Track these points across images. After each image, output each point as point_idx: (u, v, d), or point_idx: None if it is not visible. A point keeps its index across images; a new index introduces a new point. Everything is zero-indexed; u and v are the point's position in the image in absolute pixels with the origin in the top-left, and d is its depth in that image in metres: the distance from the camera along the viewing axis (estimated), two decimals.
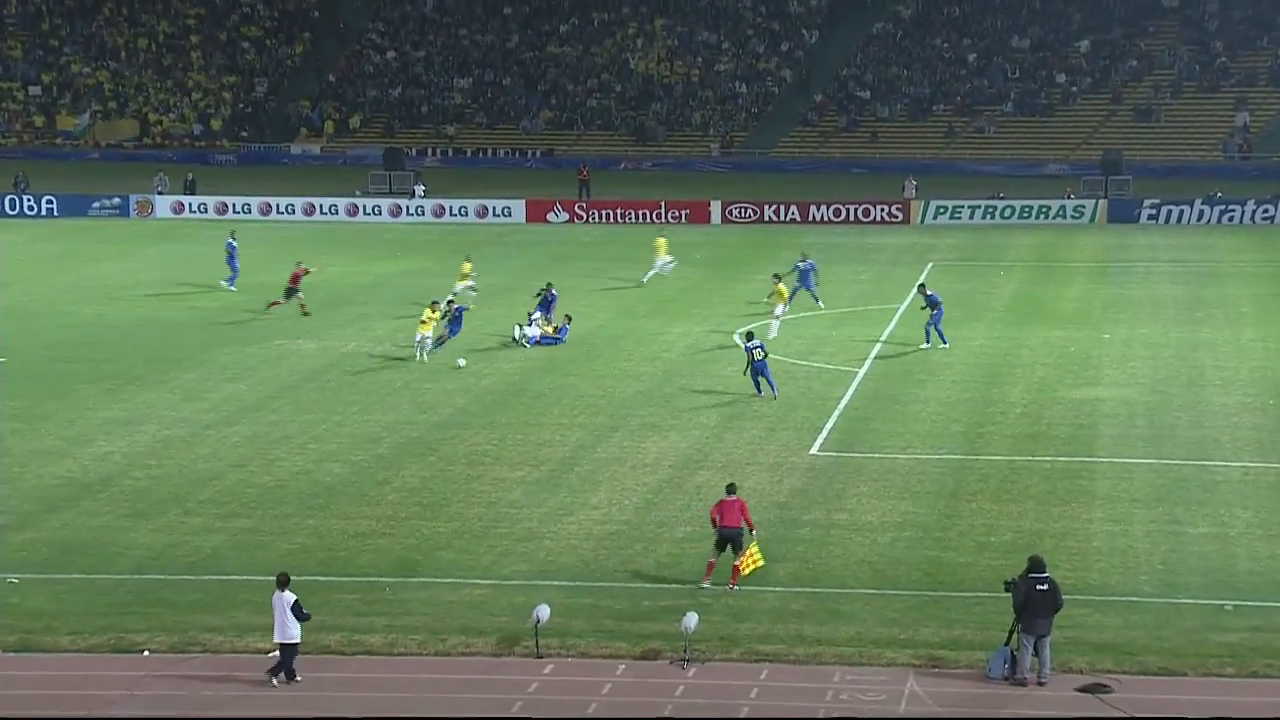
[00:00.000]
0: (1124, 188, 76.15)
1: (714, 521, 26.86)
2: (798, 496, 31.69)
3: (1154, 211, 72.53)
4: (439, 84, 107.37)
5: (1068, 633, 24.01)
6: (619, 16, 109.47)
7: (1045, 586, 23.07)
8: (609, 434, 36.36)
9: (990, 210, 73.83)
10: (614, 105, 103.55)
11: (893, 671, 23.36)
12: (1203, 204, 72.31)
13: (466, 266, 53.69)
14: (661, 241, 57.92)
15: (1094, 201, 73.98)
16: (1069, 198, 74.84)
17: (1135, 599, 25.89)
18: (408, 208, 77.50)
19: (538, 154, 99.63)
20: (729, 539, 26.64)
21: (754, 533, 26.93)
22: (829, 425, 36.81)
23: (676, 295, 54.70)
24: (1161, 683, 22.96)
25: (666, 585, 26.84)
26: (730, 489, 27.24)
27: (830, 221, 73.45)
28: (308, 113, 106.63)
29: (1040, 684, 22.87)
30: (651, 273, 56.39)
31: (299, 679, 23.21)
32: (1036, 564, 23.37)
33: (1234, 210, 71.88)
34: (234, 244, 56.95)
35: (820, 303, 50.35)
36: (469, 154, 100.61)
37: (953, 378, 41.37)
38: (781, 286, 46.95)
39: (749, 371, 39.07)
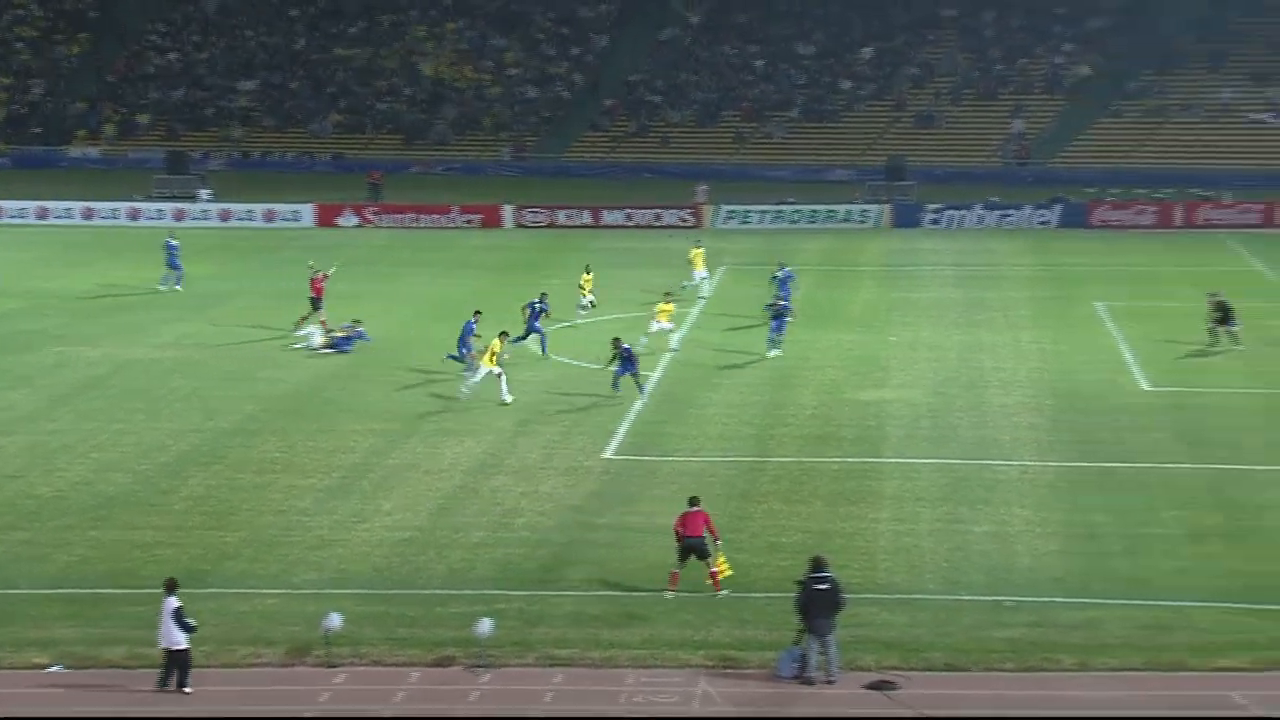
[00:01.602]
0: (908, 193, 77.88)
1: (678, 533, 26.78)
2: (592, 500, 31.80)
3: (936, 216, 74.28)
4: (223, 86, 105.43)
5: (856, 631, 24.47)
6: (408, 19, 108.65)
7: (825, 586, 23.49)
8: (402, 440, 36.08)
9: (779, 214, 74.96)
10: (404, 109, 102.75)
11: (685, 673, 23.57)
12: (983, 208, 74.28)
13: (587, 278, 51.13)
14: (698, 253, 55.50)
15: (879, 206, 75.53)
16: (855, 202, 76.31)
17: (921, 596, 26.48)
18: (192, 212, 75.96)
19: (327, 157, 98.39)
20: (692, 549, 26.59)
21: (718, 542, 26.88)
22: (623, 429, 37.00)
23: (467, 300, 54.42)
24: (946, 678, 23.51)
25: (460, 592, 26.72)
26: (693, 501, 27.17)
27: (622, 226, 73.86)
28: (86, 114, 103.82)
29: (829, 682, 23.26)
30: (694, 283, 54.31)
31: (188, 690, 22.76)
32: (817, 564, 23.80)
33: (1012, 214, 73.98)
34: (174, 244, 55.72)
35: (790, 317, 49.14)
36: (256, 157, 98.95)
37: (744, 381, 41.88)
38: (667, 304, 46.81)
39: (615, 365, 39.08)
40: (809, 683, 23.23)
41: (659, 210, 75.27)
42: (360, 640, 24.40)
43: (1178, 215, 72.90)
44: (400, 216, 75.20)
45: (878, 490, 32.33)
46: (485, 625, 23.95)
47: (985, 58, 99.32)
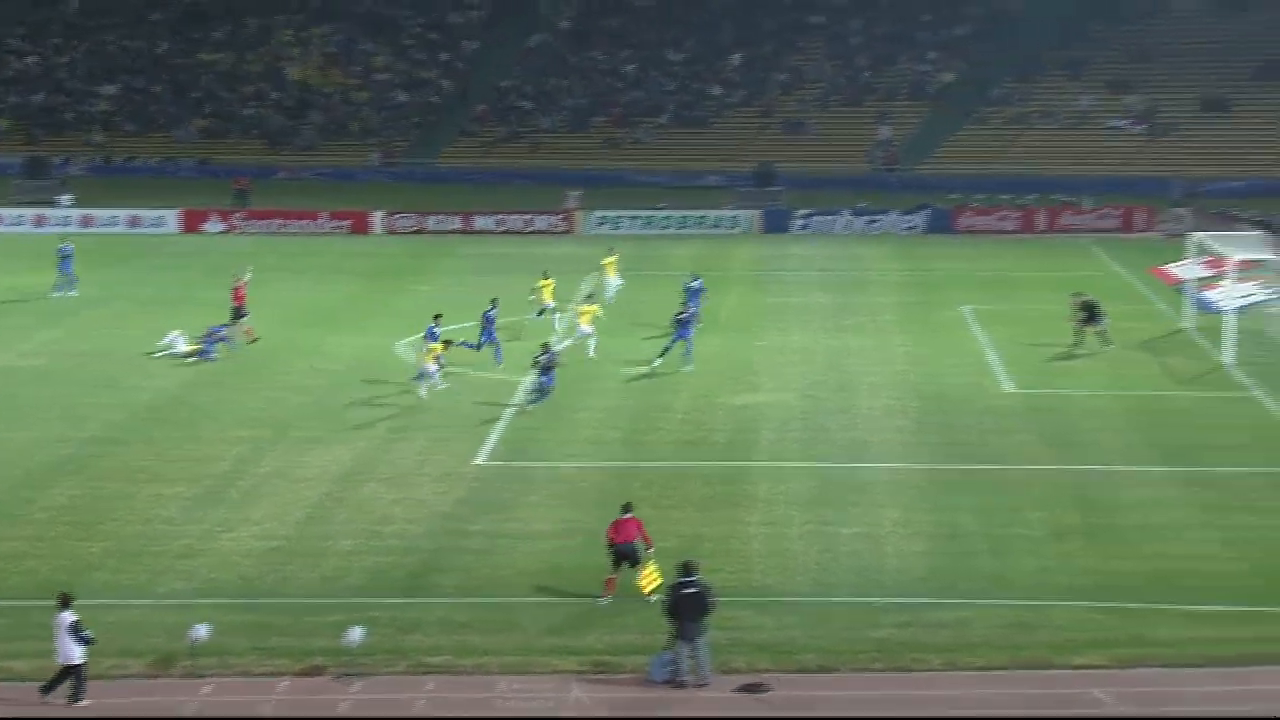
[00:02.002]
0: (777, 198, 78.52)
1: (610, 540, 26.69)
2: (464, 507, 31.70)
3: (805, 221, 74.95)
4: (84, 90, 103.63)
5: (730, 634, 24.64)
6: (273, 23, 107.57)
7: (694, 590, 23.63)
8: (271, 448, 35.71)
9: (651, 220, 75.22)
10: (270, 114, 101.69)
11: (557, 679, 23.60)
12: (851, 214, 75.09)
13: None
14: (611, 261, 55.14)
15: (749, 212, 76.06)
16: (727, 208, 76.79)
17: (793, 599, 26.72)
18: (53, 217, 74.55)
19: (192, 163, 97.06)
20: (625, 555, 26.53)
21: (650, 549, 26.80)
22: (495, 435, 36.92)
23: (337, 306, 54.09)
24: (817, 679, 23.76)
25: (330, 600, 26.52)
26: (626, 508, 27.08)
27: (493, 232, 73.70)
28: None
29: (701, 685, 23.39)
30: (609, 293, 53.81)
31: (83, 701, 22.39)
32: (685, 569, 23.95)
33: (879, 220, 74.86)
34: (68, 249, 54.82)
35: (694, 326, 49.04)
36: (119, 162, 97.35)
37: (617, 386, 41.96)
38: (591, 306, 46.60)
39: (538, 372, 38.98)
40: (681, 686, 23.35)
41: (530, 216, 75.21)
42: (228, 650, 24.14)
43: (1040, 221, 74.20)
44: (267, 222, 74.38)
45: (749, 494, 32.56)
46: (355, 634, 23.79)
47: (852, 65, 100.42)
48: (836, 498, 32.20)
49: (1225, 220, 65.67)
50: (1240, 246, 48.11)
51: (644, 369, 43.16)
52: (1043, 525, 30.34)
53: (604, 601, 26.43)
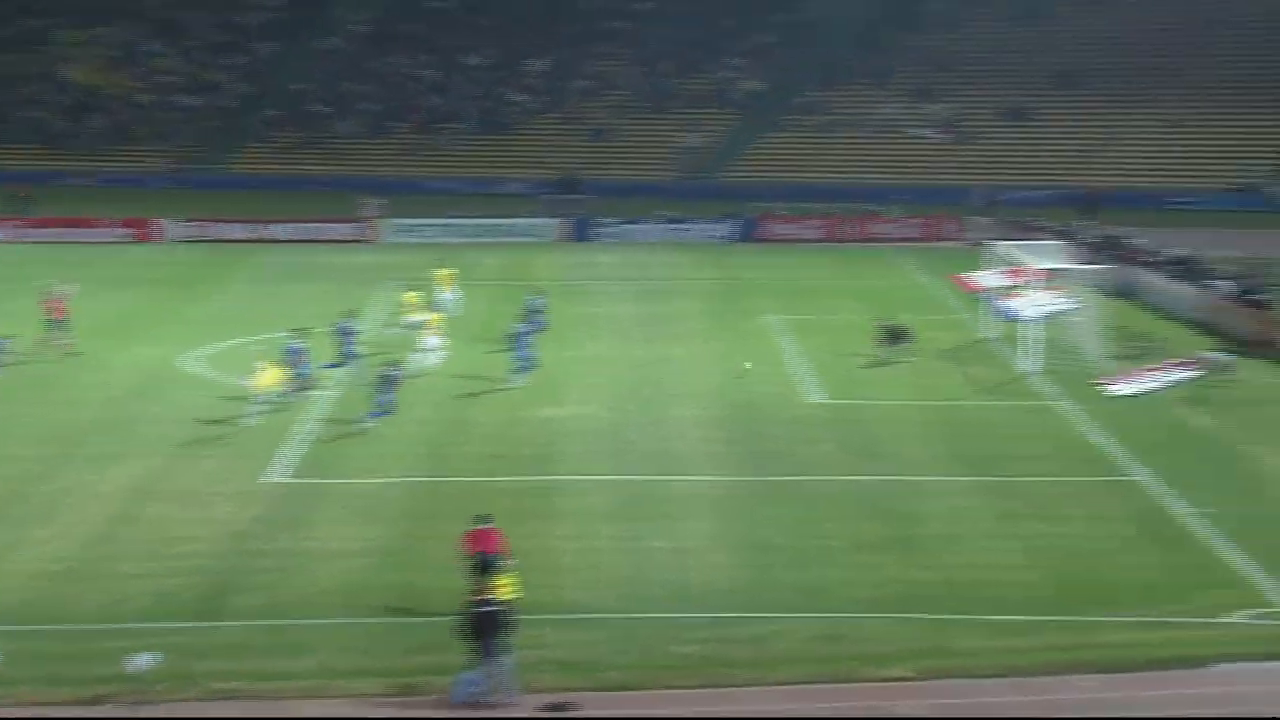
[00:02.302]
0: (582, 206, 78.80)
1: (469, 551, 26.45)
2: (260, 525, 31.24)
3: (611, 230, 75.37)
4: None
5: (537, 652, 24.63)
6: (55, 24, 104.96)
7: (490, 608, 23.59)
8: (59, 464, 34.85)
9: (453, 228, 74.92)
10: (51, 117, 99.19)
11: (358, 702, 23.37)
12: (656, 223, 75.69)
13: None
14: (445, 274, 54.04)
15: (554, 220, 76.20)
16: (530, 217, 76.81)
17: (601, 615, 26.78)
18: None
19: None
20: (484, 566, 26.31)
21: (509, 561, 26.61)
22: (295, 451, 36.44)
23: (124, 317, 52.95)
24: (623, 698, 23.84)
25: (117, 625, 25.93)
26: (483, 519, 26.89)
27: (289, 240, 72.78)
28: None
29: (505, 705, 23.35)
30: (447, 307, 52.59)
31: None
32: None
33: (685, 229, 75.53)
34: None
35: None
36: None
37: (421, 399, 41.64)
38: (434, 315, 45.92)
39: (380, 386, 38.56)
40: (486, 706, 23.28)
41: (326, 224, 74.45)
42: (8, 679, 23.49)
43: (846, 229, 75.56)
44: (50, 230, 72.54)
45: (557, 507, 32.59)
46: (143, 660, 23.30)
47: (656, 71, 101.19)
48: (645, 511, 32.37)
49: (1026, 229, 67.44)
50: (1040, 255, 49.45)
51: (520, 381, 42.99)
52: (848, 536, 30.83)
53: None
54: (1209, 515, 31.61)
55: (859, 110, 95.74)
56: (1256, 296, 49.54)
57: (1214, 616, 26.47)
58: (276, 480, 34.27)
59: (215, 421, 38.67)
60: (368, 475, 34.71)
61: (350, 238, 73.72)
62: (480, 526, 27.05)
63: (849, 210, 77.75)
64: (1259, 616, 26.46)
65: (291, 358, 41.05)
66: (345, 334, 43.89)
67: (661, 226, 75.52)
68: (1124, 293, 56.65)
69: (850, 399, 42.21)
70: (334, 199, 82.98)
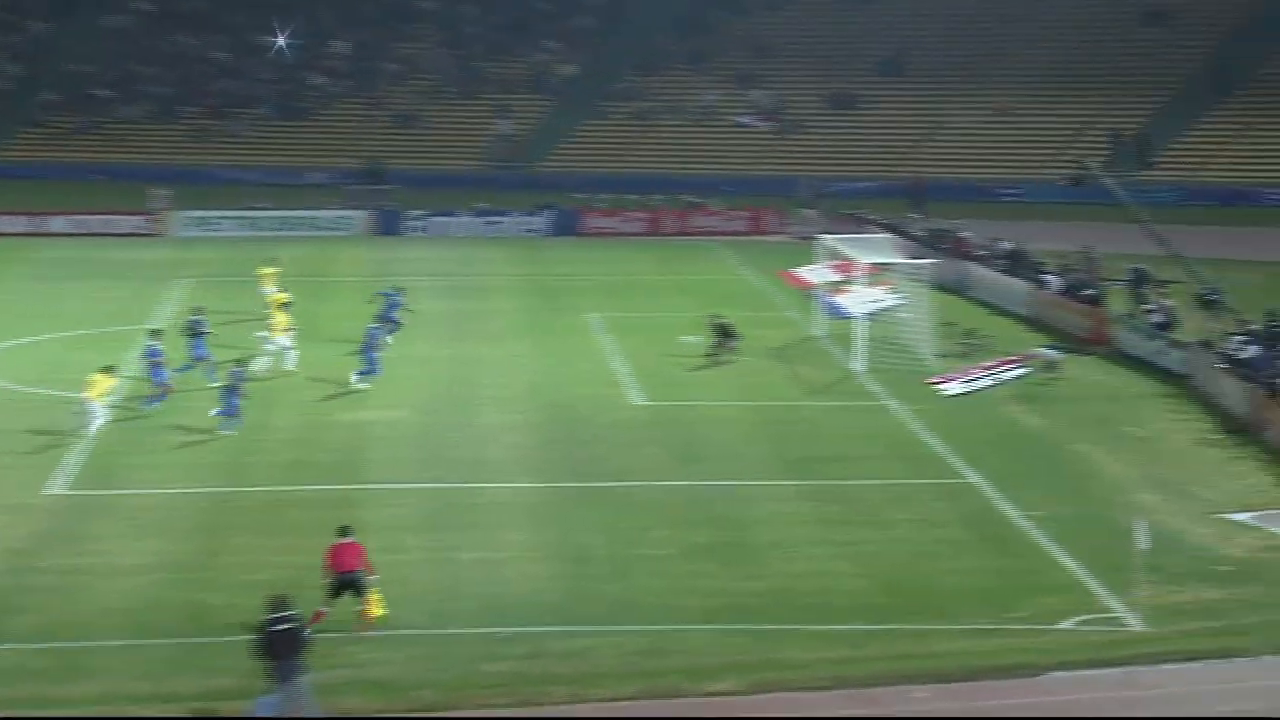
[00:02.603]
0: (388, 197, 78.21)
1: (328, 568, 25.89)
2: (37, 541, 30.58)
3: (420, 223, 74.95)
4: None
5: (345, 672, 24.46)
6: None
7: (285, 627, 23.34)
8: None
9: (249, 221, 73.93)
10: None
11: None
12: (469, 215, 75.42)
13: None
14: (269, 272, 52.75)
15: (358, 212, 75.55)
16: (334, 208, 76.06)
17: (411, 632, 26.61)
18: None
19: None
20: (347, 584, 25.79)
21: (373, 578, 26.15)
22: (74, 460, 35.70)
23: None
24: (435, 719, 23.76)
25: None
26: (344, 530, 26.37)
27: (70, 234, 71.20)
28: None
29: None
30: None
31: None
32: (277, 604, 23.60)
33: (499, 222, 75.38)
34: None
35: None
36: None
37: (212, 404, 41.01)
38: (280, 315, 45.16)
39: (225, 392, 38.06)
40: None
41: (112, 216, 73.00)
42: None
43: (668, 222, 75.99)
44: None
45: (361, 519, 32.21)
46: None
47: (467, 54, 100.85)
48: (456, 520, 32.27)
49: (854, 222, 68.49)
50: (869, 250, 50.27)
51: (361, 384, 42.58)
52: (672, 544, 31.03)
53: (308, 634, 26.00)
54: (1039, 518, 32.40)
55: (679, 97, 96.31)
56: (1087, 292, 50.82)
57: (1046, 623, 27.12)
58: (58, 492, 33.55)
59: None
60: (158, 486, 34.15)
61: (138, 231, 72.35)
62: (341, 540, 26.72)
63: (671, 202, 78.24)
64: (1089, 623, 27.17)
65: (151, 362, 40.26)
66: (195, 334, 43.27)
67: (474, 219, 75.28)
68: (955, 287, 57.79)
69: (674, 400, 42.48)
70: (119, 189, 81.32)
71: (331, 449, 37.42)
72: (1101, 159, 72.49)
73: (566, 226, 75.39)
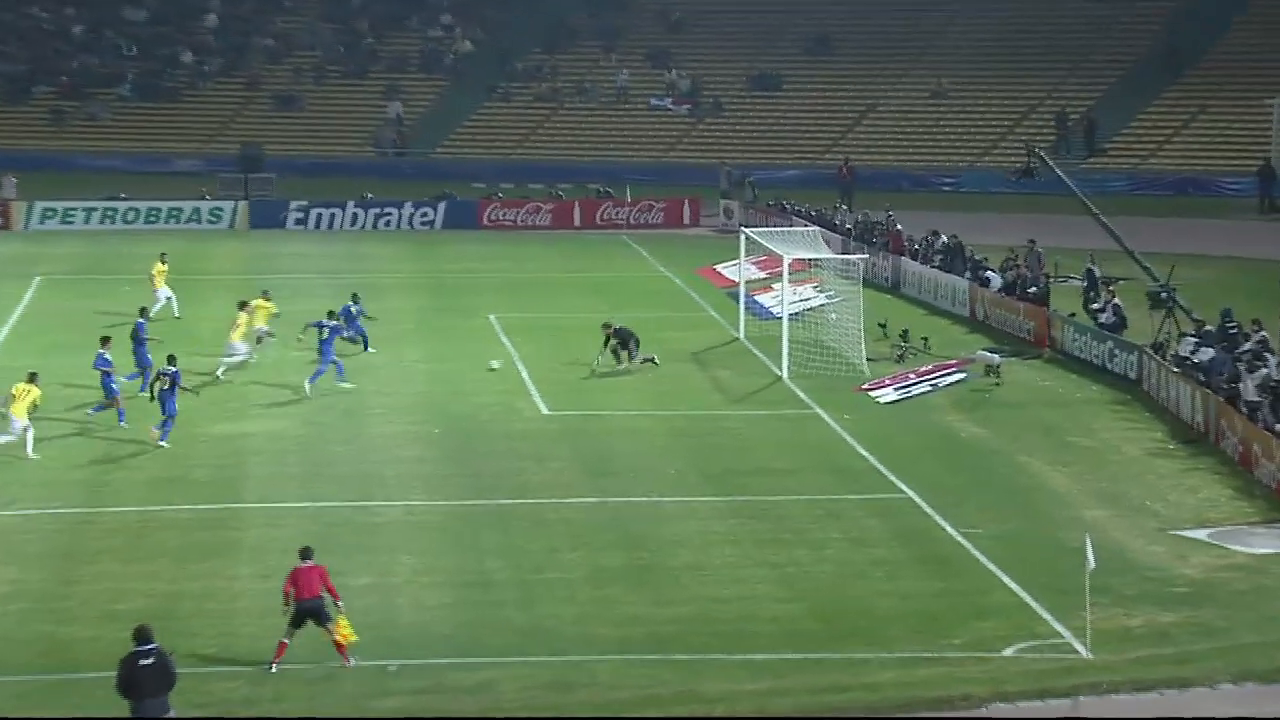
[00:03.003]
0: (267, 187, 77.83)
1: (287, 596, 25.80)
2: None
3: (302, 215, 74.70)
4: None
5: (212, 710, 24.36)
6: None
7: (150, 660, 23.16)
8: None
9: (111, 213, 73.42)
10: None
11: None
12: (356, 206, 75.17)
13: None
14: (161, 270, 52.94)
15: (233, 203, 75.14)
16: (205, 198, 75.61)
17: (294, 665, 26.39)
18: None
19: None
20: (309, 613, 25.71)
21: (339, 603, 26.08)
22: None
23: None
24: None
25: None
26: (305, 554, 26.28)
27: None
28: None
29: None
30: (160, 304, 51.57)
31: None
32: (140, 636, 23.39)
33: (390, 214, 75.17)
34: None
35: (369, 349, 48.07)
36: None
37: (73, 414, 40.70)
38: (242, 317, 45.17)
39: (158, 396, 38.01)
40: None
41: None
42: None
43: (576, 214, 76.06)
44: None
45: (237, 541, 32.21)
46: None
47: (352, 30, 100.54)
48: (343, 543, 32.13)
49: (779, 214, 68.86)
50: (795, 244, 50.50)
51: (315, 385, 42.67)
52: (583, 567, 31.07)
53: (273, 670, 25.86)
54: (979, 535, 32.65)
55: (588, 77, 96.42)
56: (1031, 290, 51.26)
57: (988, 650, 27.32)
58: None
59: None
60: (6, 507, 33.82)
61: None
62: (301, 565, 26.58)
63: (580, 192, 78.31)
64: (1034, 649, 27.40)
65: (102, 371, 39.94)
66: (138, 339, 43.06)
67: (361, 211, 75.03)
68: (888, 285, 58.19)
69: (583, 409, 42.55)
70: None
71: (205, 464, 37.21)
72: (1047, 145, 73.07)
73: (464, 219, 75.31)
